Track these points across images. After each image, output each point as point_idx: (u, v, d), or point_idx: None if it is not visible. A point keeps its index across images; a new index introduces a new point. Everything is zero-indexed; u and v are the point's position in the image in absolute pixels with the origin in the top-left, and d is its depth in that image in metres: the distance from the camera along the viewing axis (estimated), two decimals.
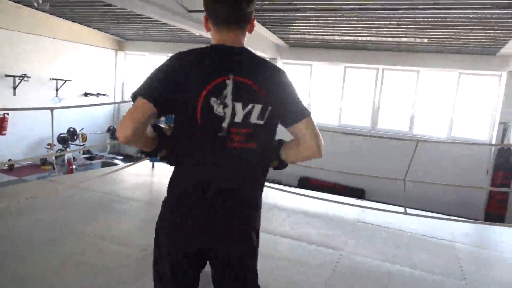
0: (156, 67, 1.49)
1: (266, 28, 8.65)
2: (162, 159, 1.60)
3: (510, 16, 6.15)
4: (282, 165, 1.66)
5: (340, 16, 7.27)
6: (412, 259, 3.63)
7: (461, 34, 7.49)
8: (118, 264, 3.11)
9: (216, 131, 1.43)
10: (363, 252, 3.70)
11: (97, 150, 10.91)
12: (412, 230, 4.35)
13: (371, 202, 5.52)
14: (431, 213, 4.99)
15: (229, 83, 1.42)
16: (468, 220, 5.36)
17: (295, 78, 10.80)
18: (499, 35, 7.21)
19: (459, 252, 3.93)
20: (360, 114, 10.17)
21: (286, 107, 1.52)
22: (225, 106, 1.42)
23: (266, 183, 1.66)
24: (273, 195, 5.23)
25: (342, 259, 3.49)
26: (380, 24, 7.50)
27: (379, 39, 8.54)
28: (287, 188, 5.72)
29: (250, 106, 1.45)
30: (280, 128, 1.60)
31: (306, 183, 10.09)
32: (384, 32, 7.99)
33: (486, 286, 3.28)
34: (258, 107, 1.46)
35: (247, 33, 1.58)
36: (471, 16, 6.35)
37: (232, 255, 1.57)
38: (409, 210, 4.63)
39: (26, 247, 3.24)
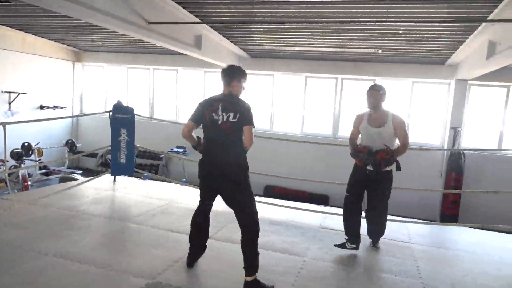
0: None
1: (227, 39, 8.75)
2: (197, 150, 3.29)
3: (455, 28, 6.62)
4: None
5: (297, 28, 7.50)
6: (372, 260, 3.78)
7: (413, 45, 7.95)
8: (80, 284, 3.02)
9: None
10: (325, 257, 3.81)
11: (54, 165, 10.47)
12: None
13: (334, 208, 5.67)
14: (389, 216, 5.20)
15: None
16: (425, 221, 5.66)
17: (257, 88, 10.98)
18: (447, 46, 7.72)
19: (415, 252, 4.13)
20: (322, 122, 10.45)
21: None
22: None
23: None
24: None
25: (305, 265, 3.58)
26: (337, 36, 7.81)
27: (337, 50, 8.86)
28: None
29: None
30: None
31: (271, 191, 10.20)
32: (341, 43, 8.31)
33: (441, 283, 3.47)
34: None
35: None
36: (420, 28, 6.77)
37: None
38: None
39: None
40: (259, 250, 3.11)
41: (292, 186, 10.07)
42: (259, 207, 5.29)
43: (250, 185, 3.21)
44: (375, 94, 3.79)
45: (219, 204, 3.39)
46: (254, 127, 3.20)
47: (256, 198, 5.64)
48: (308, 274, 3.42)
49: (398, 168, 3.77)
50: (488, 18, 5.59)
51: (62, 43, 11.33)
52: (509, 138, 9.09)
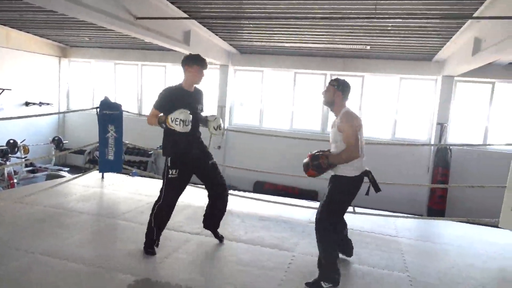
0: None
1: (216, 35, 8.70)
2: None
3: (442, 25, 6.69)
4: None
5: (287, 24, 7.49)
6: (360, 255, 3.82)
7: (401, 41, 8.01)
8: (67, 282, 2.99)
9: None
10: (314, 251, 3.82)
11: (41, 162, 10.32)
12: (360, 227, 4.58)
13: None
14: (377, 211, 5.27)
15: None
16: (412, 215, 5.73)
17: (247, 84, 10.97)
18: (434, 42, 7.80)
19: (402, 246, 4.19)
20: (311, 118, 10.49)
21: None
22: None
23: None
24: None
25: (294, 260, 3.60)
26: (326, 32, 7.83)
27: (326, 46, 8.89)
28: (241, 193, 5.78)
29: None
30: None
31: (261, 187, 10.23)
32: (330, 39, 8.34)
33: (427, 276, 3.53)
34: None
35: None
36: (408, 25, 6.82)
37: None
38: (357, 209, 4.87)
39: None
40: (247, 245, 3.14)
41: (282, 182, 10.10)
42: (249, 203, 5.35)
43: (168, 174, 3.41)
44: (329, 89, 3.28)
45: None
46: (155, 108, 3.37)
47: (245, 194, 5.68)
48: (297, 269, 3.44)
49: (377, 189, 3.24)
50: (474, 15, 5.66)
51: (48, 39, 11.14)
52: (493, 133, 9.26)
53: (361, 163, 3.20)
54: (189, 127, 3.27)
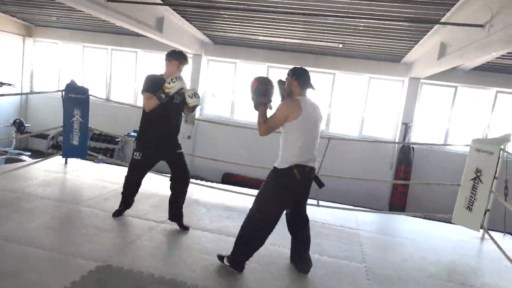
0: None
1: (190, 23, 8.59)
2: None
3: (411, 28, 6.92)
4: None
5: (262, 17, 7.51)
6: (321, 246, 3.95)
7: (371, 41, 8.21)
8: (27, 267, 2.91)
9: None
10: (279, 241, 3.92)
11: (0, 146, 9.89)
12: (323, 220, 4.72)
13: None
14: (340, 205, 5.44)
15: None
16: (372, 210, 5.95)
17: (219, 74, 10.92)
18: (403, 44, 8.05)
19: (362, 239, 4.36)
20: None
21: None
22: None
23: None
24: (194, 191, 5.27)
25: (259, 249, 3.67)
26: (300, 28, 7.90)
27: (299, 41, 8.98)
28: (208, 183, 5.80)
29: None
30: None
31: (229, 179, 10.26)
32: (304, 35, 8.43)
33: (383, 267, 3.70)
34: None
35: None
36: (379, 26, 7.00)
37: None
38: (321, 203, 5.01)
39: None
40: (212, 234, 3.19)
41: (251, 174, 10.17)
42: (215, 194, 5.38)
43: (133, 155, 3.77)
44: (286, 79, 3.19)
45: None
46: (144, 93, 3.58)
47: (212, 184, 5.69)
48: (260, 259, 3.51)
49: (319, 184, 3.22)
50: (441, 21, 5.90)
51: (12, 16, 10.61)
52: (454, 134, 9.73)
53: (292, 157, 3.04)
54: (183, 83, 3.55)
